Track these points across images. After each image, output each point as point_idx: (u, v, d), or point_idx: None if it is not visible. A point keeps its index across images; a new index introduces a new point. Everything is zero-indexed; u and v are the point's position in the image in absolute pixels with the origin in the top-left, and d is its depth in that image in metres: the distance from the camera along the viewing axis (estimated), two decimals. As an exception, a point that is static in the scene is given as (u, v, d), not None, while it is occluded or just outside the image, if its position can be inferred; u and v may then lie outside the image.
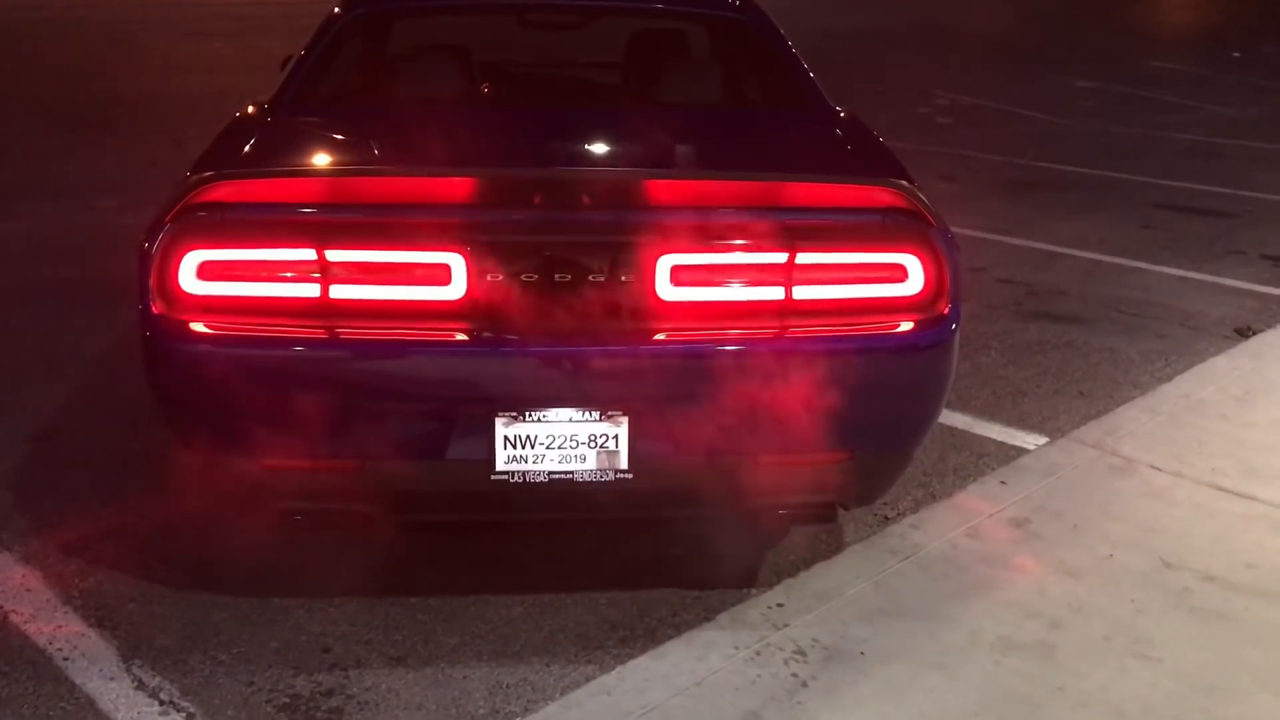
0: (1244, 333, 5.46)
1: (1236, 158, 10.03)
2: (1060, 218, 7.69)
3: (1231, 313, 5.77)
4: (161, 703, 2.73)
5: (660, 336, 2.74)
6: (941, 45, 18.25)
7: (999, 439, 4.23)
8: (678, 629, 3.03)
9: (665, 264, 2.71)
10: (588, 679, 2.83)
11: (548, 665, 2.90)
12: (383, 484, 2.83)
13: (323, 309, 2.68)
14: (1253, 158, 10.03)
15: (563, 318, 2.73)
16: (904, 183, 2.87)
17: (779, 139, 3.57)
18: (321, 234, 2.65)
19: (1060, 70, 15.48)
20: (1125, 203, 8.21)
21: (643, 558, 3.31)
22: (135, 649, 2.92)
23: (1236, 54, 18.10)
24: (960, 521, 3.59)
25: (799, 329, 2.77)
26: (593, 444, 2.75)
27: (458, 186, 2.80)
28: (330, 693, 2.79)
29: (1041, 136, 10.91)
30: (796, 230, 2.76)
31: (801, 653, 2.92)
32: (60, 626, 3.00)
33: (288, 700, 2.76)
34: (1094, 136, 11.02)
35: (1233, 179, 9.03)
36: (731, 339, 2.75)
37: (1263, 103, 13.36)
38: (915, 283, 2.79)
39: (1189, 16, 24.45)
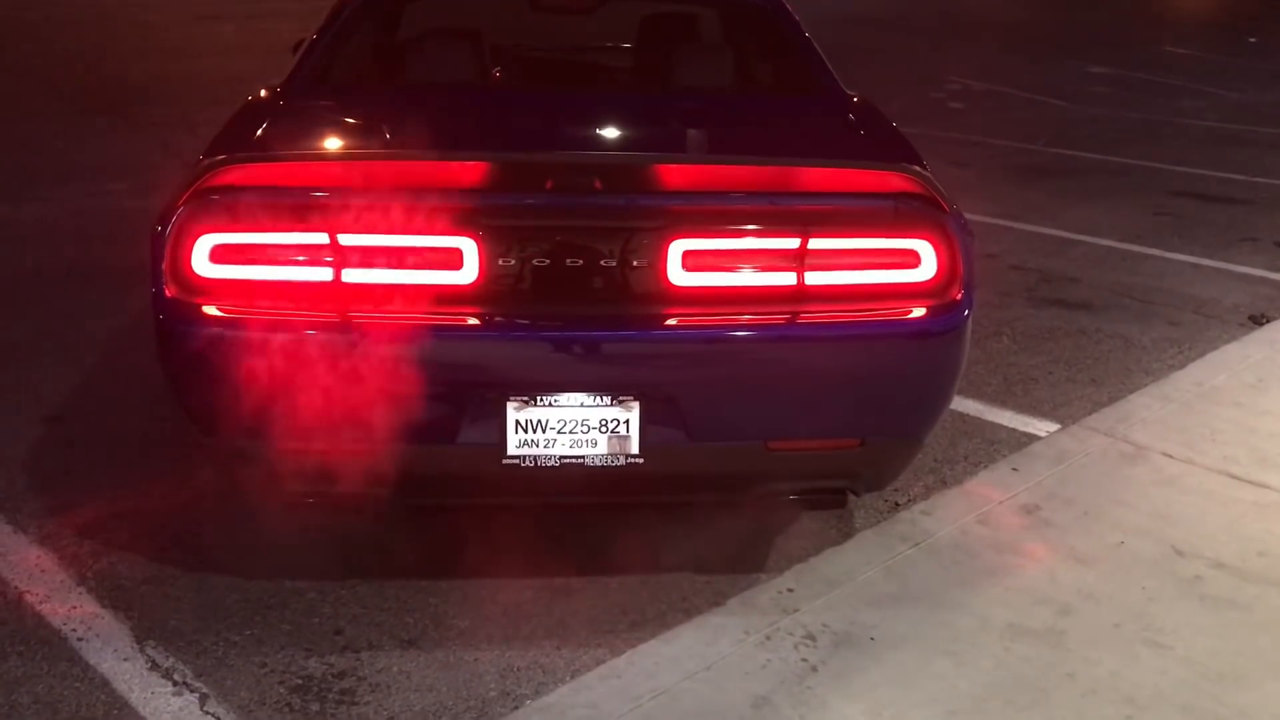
0: (1258, 320, 5.43)
1: (1251, 144, 9.96)
2: (1073, 204, 7.65)
3: (1245, 300, 5.74)
4: (175, 683, 2.75)
5: (672, 322, 2.74)
6: (954, 30, 18.16)
7: (1010, 426, 4.23)
8: (688, 614, 3.04)
9: (677, 249, 2.71)
10: (598, 662, 2.85)
11: (558, 648, 2.91)
12: (394, 468, 2.84)
13: (335, 293, 2.68)
14: (1267, 144, 9.97)
15: (574, 303, 2.74)
16: (917, 168, 2.86)
17: (792, 124, 3.56)
18: (334, 218, 2.65)
19: (1074, 55, 15.39)
20: (1138, 189, 8.17)
21: (653, 543, 3.31)
22: (149, 630, 2.94)
23: (1252, 39, 17.98)
24: (971, 508, 3.59)
25: (811, 314, 2.77)
26: (604, 429, 2.76)
27: (470, 171, 2.80)
28: (342, 674, 2.81)
29: (1055, 122, 10.85)
30: (809, 215, 2.75)
31: (811, 638, 2.92)
32: (75, 607, 3.02)
33: (300, 682, 2.78)
34: (1107, 122, 10.95)
35: (1247, 165, 8.98)
36: (743, 324, 2.75)
37: (1278, 89, 13.27)
38: (928, 268, 2.78)
39: (1204, 2, 24.27)
